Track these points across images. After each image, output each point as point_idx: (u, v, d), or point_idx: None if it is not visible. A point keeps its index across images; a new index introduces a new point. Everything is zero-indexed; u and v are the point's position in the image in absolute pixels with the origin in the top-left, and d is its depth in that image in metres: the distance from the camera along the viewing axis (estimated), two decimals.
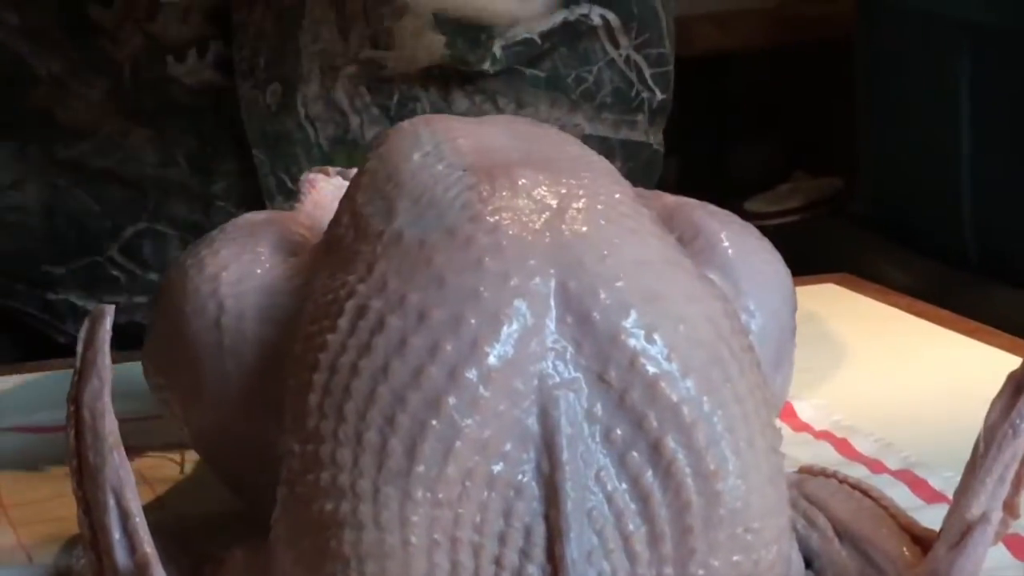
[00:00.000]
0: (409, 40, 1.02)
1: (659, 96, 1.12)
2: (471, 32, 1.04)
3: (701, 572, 0.49)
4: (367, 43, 1.01)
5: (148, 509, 0.51)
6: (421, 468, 0.48)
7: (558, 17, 1.08)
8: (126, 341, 0.81)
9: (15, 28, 0.97)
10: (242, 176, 1.02)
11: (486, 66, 1.04)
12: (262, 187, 1.01)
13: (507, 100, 1.07)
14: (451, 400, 0.48)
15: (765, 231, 0.64)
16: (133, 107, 1.00)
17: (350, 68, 1.01)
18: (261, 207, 1.00)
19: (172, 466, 0.70)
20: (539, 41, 1.08)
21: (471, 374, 0.49)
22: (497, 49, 1.06)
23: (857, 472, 0.66)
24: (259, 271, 0.59)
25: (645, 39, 1.11)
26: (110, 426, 0.50)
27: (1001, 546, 0.59)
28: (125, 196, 1.01)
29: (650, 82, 1.12)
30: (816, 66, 2.51)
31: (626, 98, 1.11)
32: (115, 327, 0.61)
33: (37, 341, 1.03)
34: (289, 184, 0.99)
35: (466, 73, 1.04)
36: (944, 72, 2.09)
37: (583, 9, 1.08)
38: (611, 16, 1.09)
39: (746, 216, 0.65)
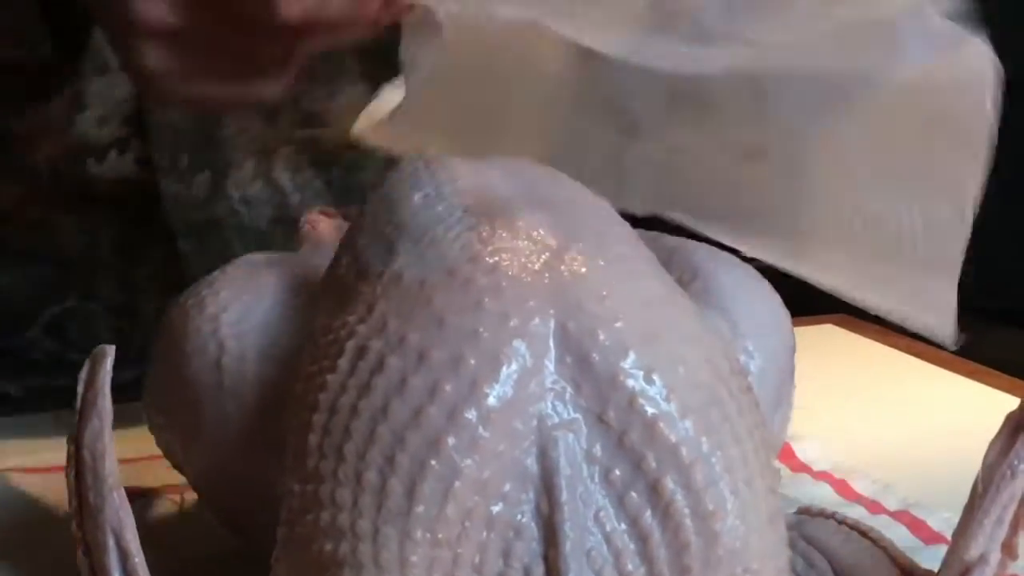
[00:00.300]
0: (345, 117, 1.00)
1: None
2: None
3: None
4: (298, 125, 1.01)
5: (147, 549, 0.51)
6: (420, 508, 0.48)
7: None
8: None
9: None
10: (166, 263, 1.01)
11: None
12: (186, 276, 0.99)
13: None
14: (450, 440, 0.48)
15: (764, 272, 0.64)
16: (54, 198, 0.99)
17: (286, 148, 1.01)
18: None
19: (172, 506, 0.70)
20: None
21: (470, 414, 0.48)
22: None
23: (856, 513, 0.67)
24: (260, 311, 0.59)
25: None
26: (110, 467, 0.51)
27: None
28: (50, 275, 1.00)
29: None
30: None
31: None
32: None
33: None
34: None
35: None
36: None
37: None
38: None
39: (745, 257, 0.65)
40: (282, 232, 1.00)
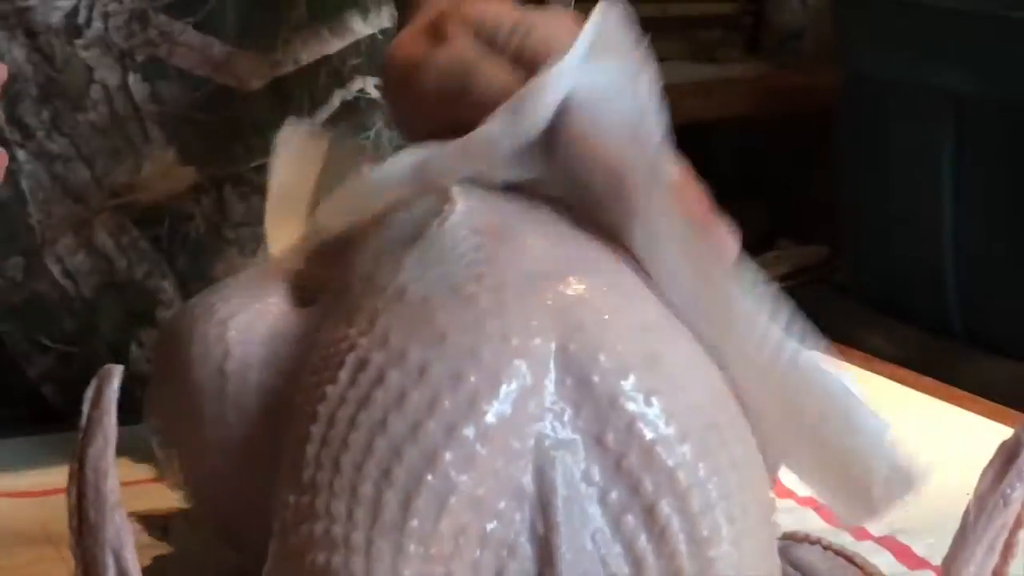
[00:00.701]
0: (158, 182, 0.99)
1: None
2: (228, 152, 1.02)
3: None
4: (108, 196, 0.99)
5: (145, 570, 0.51)
6: (415, 523, 0.48)
7: (336, 99, 1.07)
8: None
9: None
10: None
11: (252, 168, 1.03)
12: (13, 354, 0.99)
13: None
14: (447, 456, 0.48)
15: None
16: None
17: (104, 214, 0.99)
18: (14, 368, 0.99)
19: (163, 529, 0.70)
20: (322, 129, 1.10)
21: (468, 431, 0.49)
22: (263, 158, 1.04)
23: (841, 539, 0.66)
24: (268, 320, 0.59)
25: None
26: (112, 485, 0.50)
27: None
28: None
29: None
30: (800, 135, 2.53)
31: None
32: None
33: None
34: (47, 342, 0.98)
35: (237, 174, 1.03)
36: (927, 142, 2.12)
37: (358, 84, 1.08)
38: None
39: None
40: (112, 298, 0.99)
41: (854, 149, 2.28)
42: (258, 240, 1.00)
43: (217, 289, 0.63)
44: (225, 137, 1.01)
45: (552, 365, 0.51)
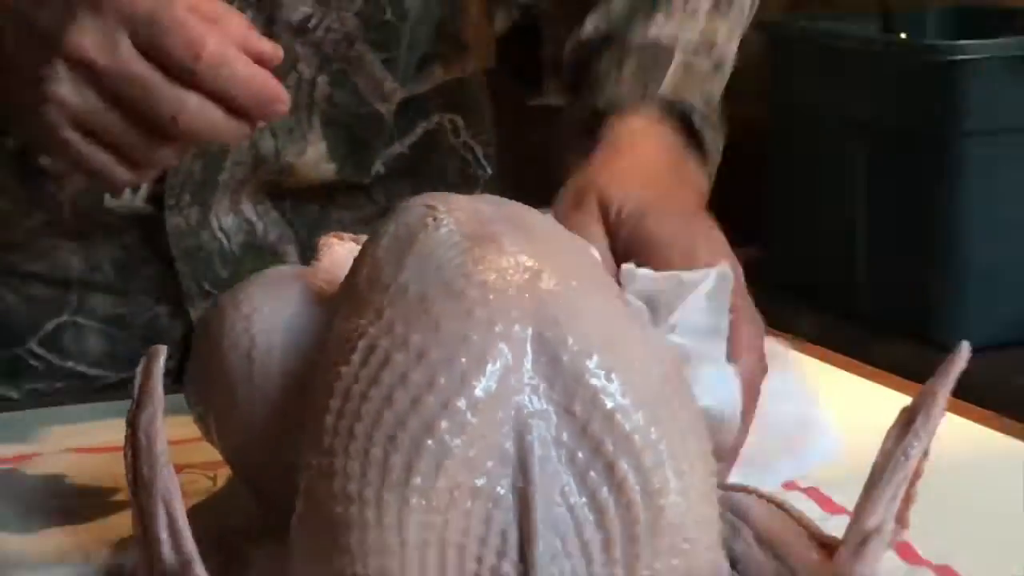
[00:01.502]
0: (308, 171, 1.06)
1: (489, 172, 1.19)
2: (359, 159, 1.09)
3: (646, 573, 0.53)
4: (272, 174, 1.05)
5: (191, 516, 0.53)
6: (417, 480, 0.51)
7: (420, 129, 1.14)
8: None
9: None
10: (162, 279, 1.04)
11: (366, 180, 1.10)
12: (184, 293, 1.04)
13: (379, 194, 1.13)
14: (443, 424, 0.52)
15: None
16: (66, 230, 1.01)
17: (250, 186, 1.04)
18: (180, 308, 1.04)
19: (207, 481, 0.71)
20: (408, 152, 1.14)
21: (460, 403, 0.52)
22: (378, 166, 1.12)
23: (773, 487, 0.69)
24: (286, 313, 0.61)
25: (477, 130, 1.20)
26: (162, 446, 0.53)
27: (891, 551, 0.61)
28: (49, 294, 1.02)
29: (482, 161, 1.18)
30: (738, 157, 2.60)
31: (467, 176, 1.17)
32: None
33: None
34: (207, 287, 1.04)
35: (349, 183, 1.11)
36: (843, 162, 2.18)
37: (436, 118, 1.15)
38: (456, 117, 1.15)
39: None
40: (252, 255, 1.05)
41: (783, 168, 2.32)
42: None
43: (244, 286, 0.64)
44: (359, 148, 1.07)
45: (529, 348, 0.54)
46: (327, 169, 1.07)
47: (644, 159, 0.83)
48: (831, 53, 2.26)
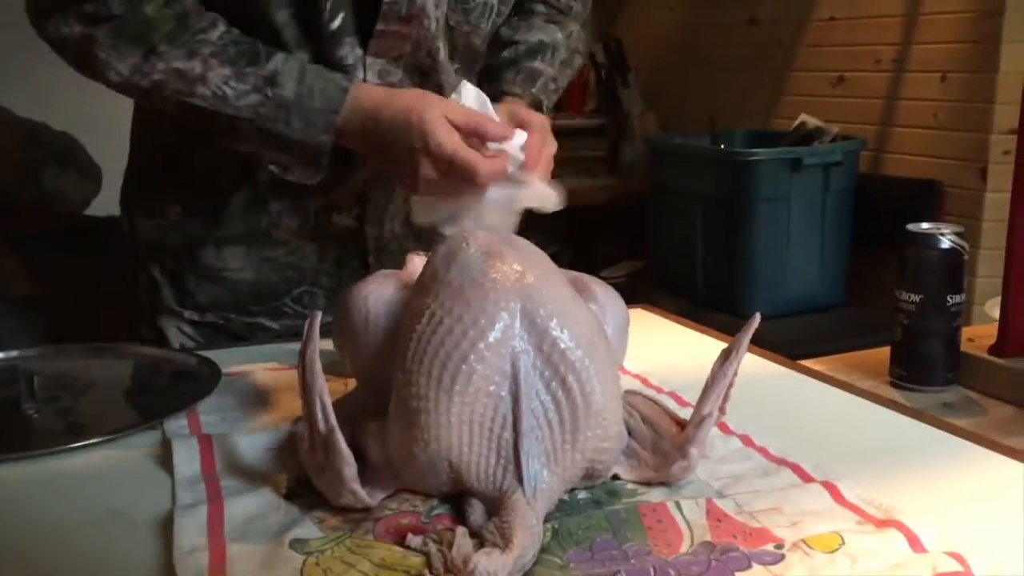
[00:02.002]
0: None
1: None
2: None
3: (585, 436, 0.54)
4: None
5: (335, 404, 0.54)
6: (457, 387, 0.53)
7: None
8: None
9: None
10: (363, 270, 0.96)
11: None
12: (369, 271, 0.92)
13: None
14: (472, 357, 0.53)
15: (614, 286, 0.66)
16: (308, 235, 0.95)
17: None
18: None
19: (342, 386, 0.70)
20: None
21: (481, 345, 0.53)
22: None
23: (652, 392, 0.70)
24: (387, 295, 0.61)
25: None
26: (318, 366, 0.53)
27: (734, 438, 0.62)
28: (296, 275, 0.96)
29: None
30: (633, 211, 2.65)
31: None
32: None
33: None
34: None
35: None
36: (690, 214, 2.20)
37: None
38: None
39: (603, 280, 0.66)
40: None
41: (658, 218, 2.34)
42: None
43: (365, 280, 0.63)
44: None
45: (519, 314, 0.55)
46: None
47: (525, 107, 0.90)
48: (683, 156, 2.30)
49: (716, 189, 2.11)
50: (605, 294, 0.64)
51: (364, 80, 0.86)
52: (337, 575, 0.46)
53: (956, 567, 0.45)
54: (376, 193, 0.95)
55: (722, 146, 2.30)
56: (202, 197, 0.93)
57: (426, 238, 0.96)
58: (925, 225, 0.92)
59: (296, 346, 0.55)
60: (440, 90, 0.91)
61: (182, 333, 0.97)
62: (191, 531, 0.50)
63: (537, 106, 0.95)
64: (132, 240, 0.98)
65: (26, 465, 0.61)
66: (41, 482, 0.59)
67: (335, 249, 0.97)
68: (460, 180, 0.78)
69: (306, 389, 0.53)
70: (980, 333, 0.97)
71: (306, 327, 0.54)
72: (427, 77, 0.92)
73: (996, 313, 0.93)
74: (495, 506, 0.51)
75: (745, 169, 2.04)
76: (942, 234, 0.89)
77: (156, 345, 0.94)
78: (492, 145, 0.80)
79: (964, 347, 0.93)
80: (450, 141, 0.77)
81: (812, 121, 2.23)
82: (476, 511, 0.52)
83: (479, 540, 0.49)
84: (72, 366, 0.81)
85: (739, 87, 2.72)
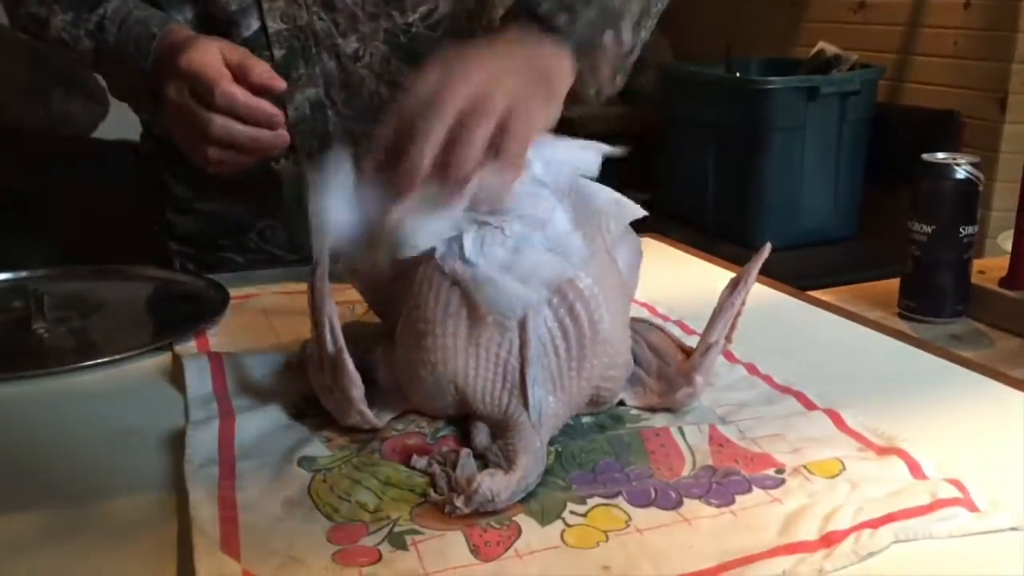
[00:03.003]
0: None
1: None
2: None
3: (592, 363, 0.53)
4: None
5: (344, 327, 0.54)
6: (466, 311, 0.52)
7: None
8: None
9: None
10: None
11: None
12: None
13: None
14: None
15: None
16: (261, 180, 0.90)
17: None
18: None
19: (348, 310, 0.70)
20: None
21: None
22: None
23: (659, 320, 0.69)
24: None
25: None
26: (328, 289, 0.53)
27: (739, 366, 0.62)
28: (256, 210, 0.94)
29: None
30: (646, 143, 2.64)
31: None
32: None
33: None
34: None
35: None
36: (702, 145, 2.20)
37: None
38: None
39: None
40: None
41: (670, 147, 2.32)
42: None
43: None
44: None
45: None
46: None
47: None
48: (697, 84, 2.27)
49: (730, 119, 2.09)
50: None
51: (264, 27, 0.83)
52: (344, 491, 0.47)
53: (956, 494, 0.45)
54: (306, 139, 0.89)
55: (737, 74, 2.26)
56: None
57: None
58: (940, 155, 0.91)
59: (305, 269, 0.55)
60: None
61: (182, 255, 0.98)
62: (202, 447, 0.51)
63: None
64: (140, 167, 1.01)
65: (38, 383, 0.62)
66: (53, 401, 0.60)
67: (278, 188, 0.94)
68: (197, 112, 0.71)
69: (315, 310, 0.53)
70: (991, 266, 0.96)
71: (315, 255, 0.54)
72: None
73: (1008, 246, 0.93)
74: (500, 429, 0.52)
75: (760, 98, 2.01)
76: (957, 164, 0.88)
77: (163, 267, 0.95)
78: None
79: (974, 279, 0.93)
80: (199, 58, 0.71)
81: (831, 49, 2.19)
82: (481, 434, 0.52)
83: (483, 462, 0.49)
84: (81, 287, 0.81)
85: (756, 13, 2.66)
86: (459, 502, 0.45)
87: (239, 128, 0.71)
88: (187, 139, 0.74)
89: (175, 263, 0.97)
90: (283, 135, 0.72)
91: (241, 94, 0.70)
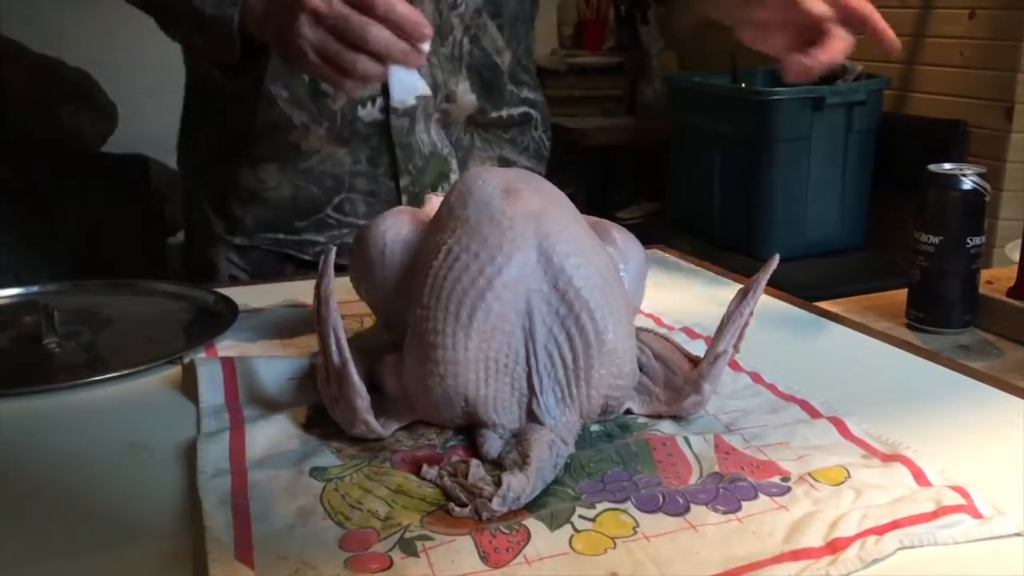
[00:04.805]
0: (461, 98, 1.00)
1: (546, 154, 1.11)
2: (488, 94, 1.02)
3: (599, 373, 0.54)
4: (442, 101, 0.99)
5: (349, 341, 0.54)
6: (475, 324, 0.53)
7: (519, 108, 1.06)
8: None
9: None
10: (393, 166, 0.98)
11: (493, 115, 1.03)
12: (399, 171, 0.98)
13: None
14: (489, 295, 0.53)
15: (629, 228, 0.66)
16: (338, 136, 0.96)
17: (435, 117, 1.00)
18: (397, 180, 0.98)
19: (356, 323, 0.72)
20: (514, 117, 1.07)
21: (498, 282, 0.53)
22: (501, 111, 1.05)
23: (664, 330, 0.71)
24: (404, 230, 0.61)
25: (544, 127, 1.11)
26: (334, 301, 0.54)
27: (744, 375, 0.63)
28: (332, 183, 0.97)
29: (544, 148, 1.11)
30: (651, 152, 2.66)
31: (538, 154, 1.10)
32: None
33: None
34: (412, 170, 0.99)
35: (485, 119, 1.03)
36: (709, 156, 2.21)
37: (525, 108, 1.06)
38: (537, 115, 1.09)
39: (620, 221, 0.65)
40: (433, 160, 1.00)
41: (676, 159, 2.33)
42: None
43: (382, 216, 0.63)
44: (488, 86, 1.03)
45: (535, 252, 0.54)
46: (471, 99, 1.01)
47: None
48: (703, 95, 2.28)
49: (736, 129, 2.10)
50: (625, 240, 0.64)
51: None
52: (355, 500, 0.47)
53: (960, 501, 0.46)
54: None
55: (743, 85, 2.27)
56: (231, 123, 0.97)
57: (451, 124, 0.99)
58: (947, 165, 0.91)
59: (311, 283, 0.56)
60: None
61: (231, 263, 1.01)
62: (214, 457, 0.52)
63: None
64: (184, 178, 1.05)
65: (48, 398, 0.63)
66: (63, 415, 0.60)
67: (365, 149, 0.98)
68: (347, 35, 0.71)
69: (321, 322, 0.54)
70: (999, 276, 0.97)
71: (321, 262, 0.54)
72: None
73: (1016, 256, 0.93)
74: (512, 437, 0.53)
75: (766, 108, 2.02)
76: (964, 175, 0.89)
77: (202, 278, 0.98)
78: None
79: (982, 289, 0.92)
80: None
81: None
82: (489, 442, 0.53)
83: (497, 470, 0.50)
84: (91, 301, 0.82)
85: None
86: (495, 504, 0.46)
87: (395, 38, 0.70)
88: (330, 55, 0.72)
89: (223, 270, 1.00)
90: (425, 49, 0.72)
91: (400, 5, 0.70)
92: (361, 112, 0.96)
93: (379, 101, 0.96)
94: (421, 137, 0.99)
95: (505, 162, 1.06)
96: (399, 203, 0.99)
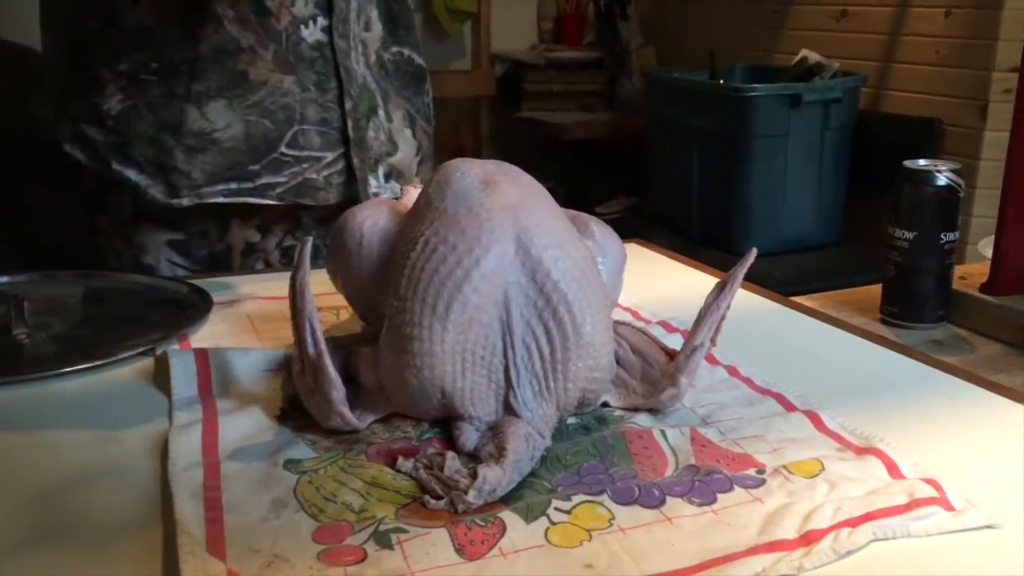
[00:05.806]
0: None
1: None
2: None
3: (576, 366, 0.54)
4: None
5: (324, 332, 0.54)
6: (452, 316, 0.52)
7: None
8: None
9: None
10: (339, 89, 0.98)
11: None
12: (344, 91, 0.98)
13: None
14: (466, 287, 0.53)
15: (608, 223, 0.65)
16: (282, 62, 0.93)
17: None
18: (342, 100, 0.98)
19: (332, 315, 0.72)
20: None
21: (475, 274, 0.53)
22: None
23: (641, 324, 0.70)
24: (381, 221, 0.60)
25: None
26: (309, 292, 0.53)
27: (720, 368, 0.63)
28: (284, 115, 0.95)
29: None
30: (629, 146, 2.66)
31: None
32: None
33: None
34: (354, 92, 0.98)
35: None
36: (687, 151, 2.22)
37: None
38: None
39: (598, 216, 0.66)
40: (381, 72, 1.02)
41: (655, 154, 2.34)
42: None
43: (360, 206, 0.62)
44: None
45: (513, 244, 0.54)
46: (379, 29, 1.03)
47: None
48: (682, 90, 2.30)
49: (714, 125, 2.11)
50: (603, 233, 0.63)
51: None
52: (329, 492, 0.47)
53: (932, 493, 0.47)
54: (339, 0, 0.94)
55: (721, 81, 2.29)
56: (167, 56, 0.89)
57: (368, 58, 0.98)
58: (922, 161, 0.92)
59: (287, 276, 0.56)
60: None
61: (173, 265, 0.97)
62: (186, 449, 0.51)
63: None
64: (93, 159, 0.93)
65: (18, 389, 0.62)
66: (34, 407, 0.60)
67: (311, 75, 0.95)
68: None
69: (296, 313, 0.53)
70: (972, 271, 0.98)
71: (297, 253, 0.55)
72: None
73: (989, 252, 0.94)
74: (488, 430, 0.53)
75: (744, 105, 2.04)
76: (938, 171, 0.90)
77: (147, 273, 0.94)
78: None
79: (956, 285, 0.93)
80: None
81: (813, 56, 2.22)
82: (465, 435, 0.53)
83: (473, 463, 0.50)
84: (61, 292, 0.81)
85: (740, 21, 2.69)
86: (471, 496, 0.46)
87: None
88: None
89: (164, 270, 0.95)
90: None
91: None
92: (304, 32, 0.93)
93: (320, 20, 0.94)
94: (357, 62, 0.98)
95: (409, 119, 1.06)
96: (346, 132, 0.98)
